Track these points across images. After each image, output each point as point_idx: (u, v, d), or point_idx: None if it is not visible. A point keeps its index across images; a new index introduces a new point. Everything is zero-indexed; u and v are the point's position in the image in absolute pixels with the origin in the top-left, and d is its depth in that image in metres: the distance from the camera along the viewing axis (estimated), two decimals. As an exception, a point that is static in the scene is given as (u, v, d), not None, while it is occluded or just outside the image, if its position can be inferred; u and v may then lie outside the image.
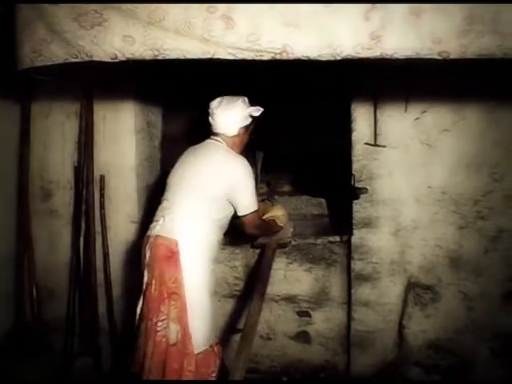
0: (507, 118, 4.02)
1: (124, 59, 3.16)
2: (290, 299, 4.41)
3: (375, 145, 4.11)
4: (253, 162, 4.72)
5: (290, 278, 4.39)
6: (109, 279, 4.42)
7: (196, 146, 3.70)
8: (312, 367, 4.41)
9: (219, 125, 3.63)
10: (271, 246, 4.01)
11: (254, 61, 3.09)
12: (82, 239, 4.42)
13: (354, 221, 4.20)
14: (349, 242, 4.25)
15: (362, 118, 4.14)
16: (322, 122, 4.50)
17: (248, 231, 3.71)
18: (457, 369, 4.14)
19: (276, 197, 4.77)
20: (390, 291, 4.23)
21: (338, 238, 4.32)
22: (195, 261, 3.38)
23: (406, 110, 4.09)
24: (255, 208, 3.62)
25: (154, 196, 4.55)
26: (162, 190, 3.69)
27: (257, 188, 4.53)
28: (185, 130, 4.84)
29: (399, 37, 2.95)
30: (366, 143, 4.13)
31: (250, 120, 3.67)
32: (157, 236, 3.42)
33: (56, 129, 4.45)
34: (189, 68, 4.04)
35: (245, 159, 3.61)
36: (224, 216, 3.55)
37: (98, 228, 4.40)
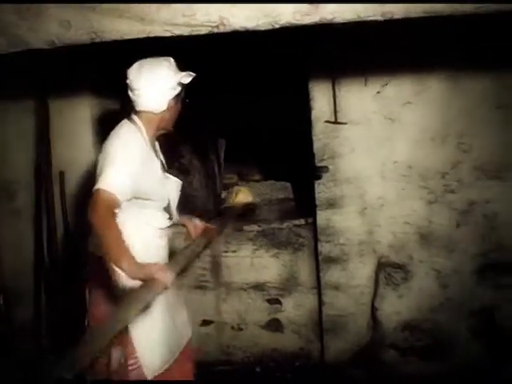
0: (472, 85, 3.85)
1: (61, 45, 3.03)
2: (258, 287, 4.25)
3: (336, 122, 3.96)
4: (215, 150, 4.61)
5: (257, 264, 4.23)
6: (72, 281, 4.27)
7: None
8: (286, 356, 4.24)
9: (143, 101, 2.82)
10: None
11: (194, 37, 2.94)
12: (45, 238, 4.28)
13: (317, 202, 4.03)
14: (314, 224, 4.09)
15: (320, 95, 3.98)
16: (282, 104, 4.36)
17: (88, 212, 2.54)
18: (434, 350, 3.97)
19: (241, 183, 4.62)
20: (360, 273, 4.06)
21: (303, 221, 4.16)
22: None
23: (365, 84, 3.93)
24: (106, 187, 2.54)
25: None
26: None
27: (220, 175, 4.44)
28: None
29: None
30: (327, 121, 3.97)
31: (179, 88, 2.89)
32: None
33: (13, 127, 4.31)
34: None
35: (126, 131, 2.82)
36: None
37: (61, 227, 4.26)
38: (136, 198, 2.74)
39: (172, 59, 2.93)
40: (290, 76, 4.13)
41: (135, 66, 2.88)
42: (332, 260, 4.05)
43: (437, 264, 3.96)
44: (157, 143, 3.02)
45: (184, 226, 3.23)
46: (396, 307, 4.02)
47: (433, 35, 3.74)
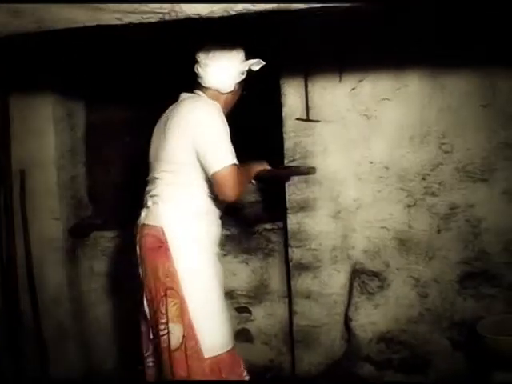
0: (453, 82, 3.59)
1: (8, 34, 2.90)
2: (227, 294, 3.86)
3: (308, 120, 3.70)
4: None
5: (225, 271, 3.92)
6: (32, 280, 4.06)
7: (172, 106, 3.08)
8: (256, 368, 3.93)
9: (212, 78, 3.01)
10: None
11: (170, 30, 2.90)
12: (3, 239, 4.07)
13: (288, 204, 3.77)
14: (285, 228, 3.84)
15: (292, 91, 3.72)
16: (251, 101, 4.12)
17: (225, 195, 2.84)
18: (412, 363, 3.72)
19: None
20: (334, 280, 3.78)
21: (273, 225, 3.92)
22: (188, 247, 2.89)
23: (340, 80, 3.69)
24: (230, 161, 2.80)
25: (80, 188, 4.25)
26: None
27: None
28: (116, 116, 4.46)
29: None
30: (298, 118, 3.72)
31: (245, 75, 3.10)
32: (143, 225, 2.96)
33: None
34: (112, 51, 3.83)
35: (211, 104, 2.97)
36: (209, 185, 2.93)
37: (20, 227, 4.05)
38: None
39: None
40: (260, 71, 3.87)
41: (207, 47, 3.01)
42: (303, 267, 3.78)
43: (415, 272, 3.69)
44: None
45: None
46: (371, 317, 3.75)
47: (412, 29, 3.52)
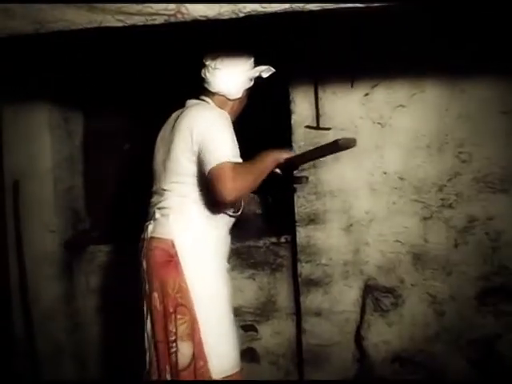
0: (472, 88, 3.44)
1: (4, 36, 2.75)
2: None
3: (318, 128, 3.53)
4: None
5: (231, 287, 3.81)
6: (25, 295, 3.86)
7: (176, 113, 2.95)
8: (263, 389, 3.81)
9: (220, 83, 2.90)
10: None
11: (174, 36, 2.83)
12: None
13: (297, 217, 3.58)
14: (294, 242, 3.64)
15: (301, 97, 3.54)
16: (259, 107, 3.95)
17: (220, 195, 2.60)
18: (428, 384, 3.54)
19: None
20: (345, 297, 3.60)
21: (282, 239, 3.73)
22: (199, 262, 2.75)
23: (352, 86, 3.52)
24: (225, 158, 2.61)
25: (78, 199, 4.06)
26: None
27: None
28: (116, 124, 4.28)
29: None
30: (308, 126, 3.55)
31: (253, 82, 2.99)
32: (151, 238, 2.79)
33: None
34: (112, 55, 3.67)
35: (214, 109, 2.86)
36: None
37: (13, 239, 3.85)
38: None
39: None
40: (269, 77, 3.71)
41: (216, 49, 2.90)
42: (313, 282, 3.60)
43: (432, 288, 3.52)
44: None
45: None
46: (385, 336, 3.57)
47: (429, 33, 3.39)
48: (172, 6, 2.60)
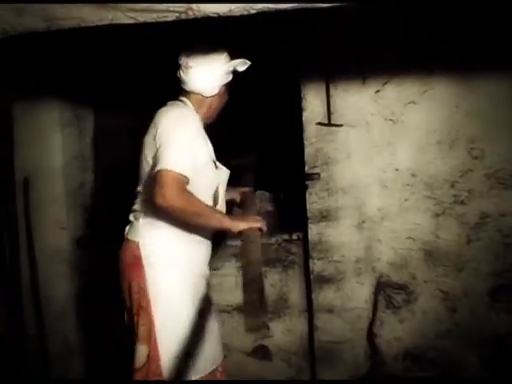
0: (484, 84, 3.42)
1: (15, 33, 2.74)
2: (243, 309, 3.80)
3: (330, 124, 3.52)
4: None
5: (242, 284, 3.78)
6: (37, 294, 3.85)
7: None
8: (275, 386, 3.80)
9: (194, 82, 2.81)
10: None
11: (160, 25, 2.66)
12: (7, 251, 3.87)
13: (309, 214, 3.57)
14: (306, 239, 3.64)
15: (313, 94, 3.53)
16: (270, 103, 3.95)
17: (156, 198, 2.49)
18: (439, 381, 3.52)
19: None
20: (357, 294, 3.60)
21: (294, 236, 3.73)
22: (163, 266, 2.71)
23: (364, 82, 3.51)
24: (175, 168, 2.50)
25: (88, 197, 4.05)
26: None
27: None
28: (128, 120, 4.26)
29: None
30: (319, 123, 3.54)
31: (231, 76, 2.90)
32: (125, 239, 2.81)
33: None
34: (123, 52, 3.66)
35: (183, 109, 2.78)
36: None
37: (24, 237, 3.85)
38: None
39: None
40: (279, 73, 3.71)
41: (190, 47, 2.84)
42: (325, 279, 3.59)
43: (444, 285, 3.51)
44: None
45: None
46: (397, 333, 3.57)
47: (438, 29, 3.37)
48: (182, 2, 2.59)
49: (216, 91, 2.84)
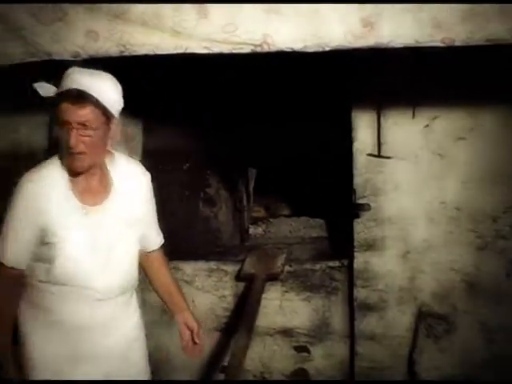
0: (529, 122, 3.53)
1: (87, 57, 2.83)
2: (286, 333, 3.87)
3: (379, 156, 3.62)
4: (244, 181, 4.28)
5: (286, 308, 3.85)
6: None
7: None
8: (313, 410, 3.90)
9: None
10: (260, 277, 3.52)
11: (233, 56, 2.75)
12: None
13: (356, 243, 3.67)
14: (351, 266, 3.74)
15: (364, 125, 3.64)
16: (320, 133, 4.06)
17: None
18: (476, 410, 3.64)
19: (271, 220, 4.28)
20: (399, 322, 3.69)
21: (338, 263, 3.83)
22: None
23: (413, 116, 3.61)
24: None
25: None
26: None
27: (249, 208, 4.11)
28: (172, 142, 4.33)
29: (395, 23, 2.59)
30: (369, 154, 3.64)
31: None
32: None
33: (23, 142, 3.92)
34: (171, 73, 3.72)
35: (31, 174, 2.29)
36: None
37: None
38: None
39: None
40: (329, 103, 3.81)
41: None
42: (369, 307, 3.69)
43: (483, 316, 3.60)
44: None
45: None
46: (436, 361, 3.64)
47: (489, 66, 3.43)
48: (258, 36, 2.67)
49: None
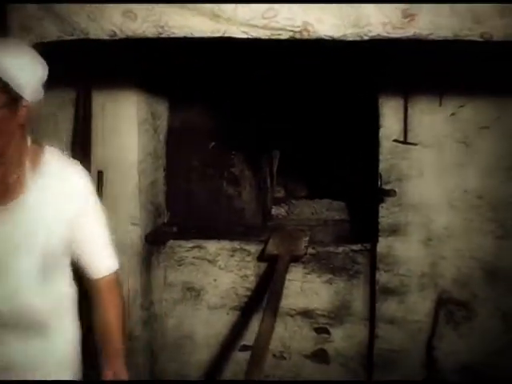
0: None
1: (124, 37, 2.84)
2: (306, 314, 3.95)
3: (405, 142, 3.67)
4: (268, 161, 4.34)
5: (307, 290, 3.93)
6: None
7: None
8: (333, 389, 3.97)
9: None
10: (283, 258, 3.58)
11: (270, 42, 2.74)
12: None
13: (379, 227, 3.74)
14: (374, 250, 3.78)
15: (390, 112, 3.67)
16: (346, 117, 4.10)
17: None
18: (492, 396, 3.71)
19: (293, 201, 4.34)
20: (419, 307, 3.75)
21: (361, 247, 3.89)
22: None
23: (440, 104, 3.64)
24: None
25: (159, 194, 4.18)
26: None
27: (272, 189, 4.17)
28: (197, 122, 4.35)
29: (435, 15, 2.59)
30: (395, 140, 3.68)
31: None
32: None
33: (48, 119, 3.96)
34: (200, 52, 3.75)
35: None
36: None
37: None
38: None
39: None
40: (357, 90, 3.86)
41: None
42: (390, 291, 3.75)
43: (503, 304, 3.65)
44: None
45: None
46: (455, 347, 3.72)
47: None
48: (298, 22, 2.68)
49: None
